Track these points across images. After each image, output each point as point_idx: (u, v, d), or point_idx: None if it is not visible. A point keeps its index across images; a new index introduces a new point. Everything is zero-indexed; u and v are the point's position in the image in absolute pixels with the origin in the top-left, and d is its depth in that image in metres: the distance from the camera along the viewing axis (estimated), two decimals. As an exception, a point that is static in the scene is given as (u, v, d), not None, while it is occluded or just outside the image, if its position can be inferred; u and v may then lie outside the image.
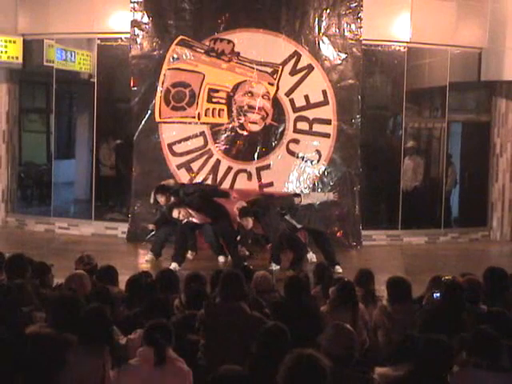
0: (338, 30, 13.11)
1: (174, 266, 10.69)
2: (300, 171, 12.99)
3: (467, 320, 5.66)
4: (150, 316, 5.11)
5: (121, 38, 13.63)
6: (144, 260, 11.59)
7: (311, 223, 11.55)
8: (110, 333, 4.98)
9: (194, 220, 11.34)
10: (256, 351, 4.52)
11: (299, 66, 13.13)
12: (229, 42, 13.08)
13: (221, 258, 11.64)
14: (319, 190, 13.09)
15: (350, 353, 4.49)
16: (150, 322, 4.89)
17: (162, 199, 11.66)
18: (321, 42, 13.13)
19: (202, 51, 13.10)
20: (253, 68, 13.10)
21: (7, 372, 4.50)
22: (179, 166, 12.97)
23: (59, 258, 9.89)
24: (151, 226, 12.19)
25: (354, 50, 13.15)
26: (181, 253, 11.17)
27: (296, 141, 13.21)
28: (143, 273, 7.09)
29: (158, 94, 13.10)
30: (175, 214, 11.24)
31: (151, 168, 13.17)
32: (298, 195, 11.96)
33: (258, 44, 13.11)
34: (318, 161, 13.16)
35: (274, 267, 10.94)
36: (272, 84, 13.14)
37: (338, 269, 10.86)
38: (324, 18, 13.09)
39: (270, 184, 13.08)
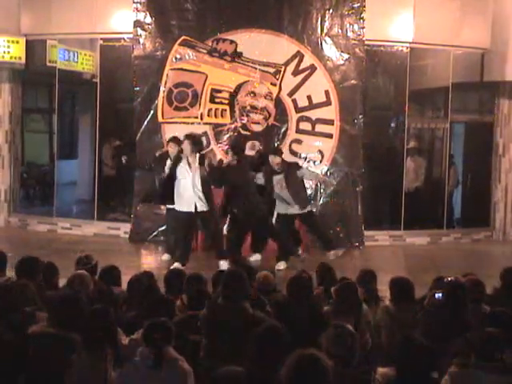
0: (340, 31, 13.10)
1: (176, 265, 10.67)
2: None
3: (470, 321, 5.66)
4: (153, 316, 5.10)
5: (123, 39, 13.64)
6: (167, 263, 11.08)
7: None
8: (114, 335, 4.98)
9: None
10: (253, 352, 4.49)
11: (302, 66, 13.13)
12: (231, 42, 13.09)
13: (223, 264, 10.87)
14: (321, 190, 13.09)
15: (351, 353, 4.49)
16: (148, 322, 4.88)
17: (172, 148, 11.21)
18: (323, 43, 13.13)
19: (205, 51, 13.10)
20: (255, 68, 13.10)
21: (9, 372, 4.50)
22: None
23: (61, 258, 9.88)
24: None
25: (357, 50, 13.14)
26: (184, 253, 11.13)
27: (298, 141, 13.21)
28: (145, 273, 7.08)
29: (161, 95, 13.10)
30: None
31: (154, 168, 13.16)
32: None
33: (260, 44, 13.12)
34: (321, 161, 13.15)
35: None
36: (274, 84, 13.13)
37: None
38: (327, 18, 13.08)
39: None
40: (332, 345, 4.47)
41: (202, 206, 10.83)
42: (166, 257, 11.61)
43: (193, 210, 10.83)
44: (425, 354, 4.41)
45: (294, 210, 11.40)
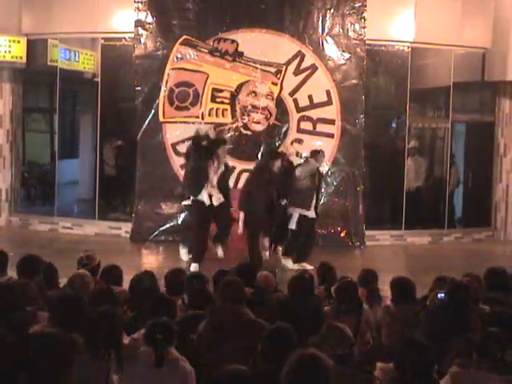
0: (341, 30, 13.11)
1: (194, 266, 10.73)
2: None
3: (473, 321, 5.65)
4: (154, 316, 5.10)
5: (124, 38, 13.65)
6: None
7: None
8: (119, 337, 4.96)
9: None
10: (261, 351, 4.51)
11: (303, 65, 13.14)
12: (232, 41, 13.09)
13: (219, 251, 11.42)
14: (322, 189, 13.07)
15: (347, 352, 4.50)
16: (150, 322, 4.87)
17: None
18: (325, 42, 13.14)
19: (206, 51, 13.11)
20: (257, 68, 13.10)
21: (9, 372, 4.49)
22: (183, 166, 12.93)
23: (63, 258, 9.88)
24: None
25: (358, 49, 13.15)
26: (199, 252, 11.17)
27: (299, 141, 13.21)
28: (146, 273, 7.08)
29: (162, 94, 13.10)
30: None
31: (155, 168, 13.19)
32: None
33: (261, 44, 13.13)
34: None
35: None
36: (276, 84, 13.14)
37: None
38: (328, 17, 13.09)
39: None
40: (326, 345, 4.47)
41: (218, 200, 11.12)
42: (184, 256, 11.55)
43: (208, 203, 11.08)
44: (425, 354, 4.41)
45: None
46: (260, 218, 10.99)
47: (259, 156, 13.04)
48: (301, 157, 13.10)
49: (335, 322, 5.09)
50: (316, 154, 11.52)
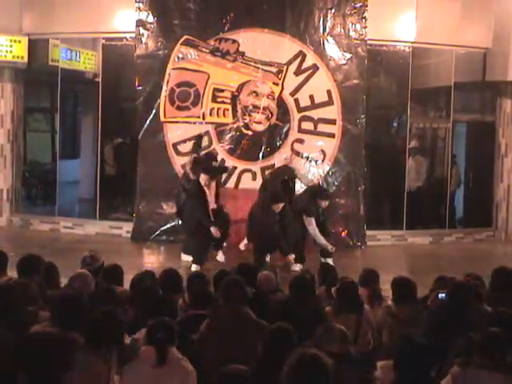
0: (342, 30, 13.11)
1: (195, 267, 10.74)
2: (304, 171, 12.96)
3: (474, 321, 5.65)
4: (155, 315, 5.10)
5: (126, 38, 13.66)
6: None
7: None
8: (120, 337, 4.97)
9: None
10: (262, 351, 4.52)
11: (304, 65, 13.14)
12: (234, 41, 13.09)
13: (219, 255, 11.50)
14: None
15: (343, 351, 4.51)
16: (152, 321, 4.88)
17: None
18: (326, 42, 13.14)
19: (207, 51, 13.11)
20: (258, 68, 13.11)
21: (9, 372, 4.49)
22: (184, 166, 12.93)
23: (64, 258, 9.89)
24: None
25: (359, 49, 13.15)
26: (201, 254, 11.15)
27: (301, 141, 13.21)
28: (147, 272, 7.08)
29: (163, 94, 13.11)
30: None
31: (156, 167, 13.19)
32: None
33: (262, 44, 13.13)
34: (323, 161, 13.17)
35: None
36: (277, 84, 13.14)
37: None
38: (329, 17, 13.09)
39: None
40: (323, 345, 4.47)
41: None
42: (186, 257, 11.42)
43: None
44: (424, 354, 4.41)
45: None
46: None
47: (260, 156, 13.10)
48: (302, 157, 13.14)
49: (336, 322, 5.10)
50: None
